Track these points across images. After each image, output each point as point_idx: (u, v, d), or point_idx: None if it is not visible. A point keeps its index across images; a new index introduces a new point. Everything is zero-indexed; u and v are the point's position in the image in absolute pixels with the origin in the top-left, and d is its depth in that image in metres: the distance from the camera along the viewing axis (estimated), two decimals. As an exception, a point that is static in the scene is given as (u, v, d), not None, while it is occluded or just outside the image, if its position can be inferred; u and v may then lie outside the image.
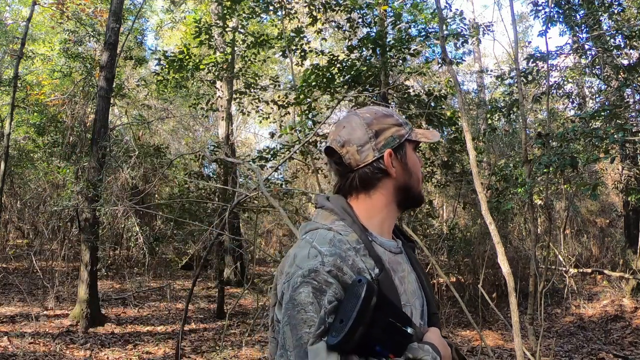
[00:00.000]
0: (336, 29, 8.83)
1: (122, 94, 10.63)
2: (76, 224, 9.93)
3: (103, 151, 7.44)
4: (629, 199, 8.85)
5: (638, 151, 9.13)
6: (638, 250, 8.50)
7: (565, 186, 7.27)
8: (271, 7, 7.85)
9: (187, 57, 7.96)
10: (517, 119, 8.18)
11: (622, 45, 6.59)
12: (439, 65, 8.14)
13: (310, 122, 7.98)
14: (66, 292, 8.76)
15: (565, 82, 8.27)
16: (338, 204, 1.22)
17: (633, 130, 5.19)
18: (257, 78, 9.11)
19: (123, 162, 8.13)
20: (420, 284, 1.28)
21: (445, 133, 8.01)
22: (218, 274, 9.48)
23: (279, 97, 9.06)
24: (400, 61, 7.71)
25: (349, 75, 7.42)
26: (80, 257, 7.54)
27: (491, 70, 10.97)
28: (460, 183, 8.98)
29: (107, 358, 6.01)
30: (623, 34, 6.41)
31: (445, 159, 8.52)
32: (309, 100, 7.69)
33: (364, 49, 7.54)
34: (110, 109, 8.47)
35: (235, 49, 9.43)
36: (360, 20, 7.79)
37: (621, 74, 6.37)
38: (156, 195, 11.96)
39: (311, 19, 7.69)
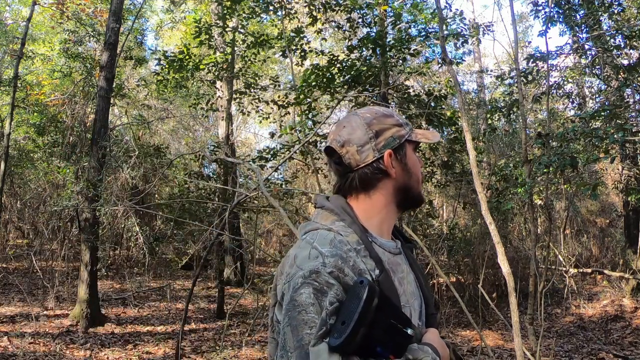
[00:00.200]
0: (336, 29, 8.83)
1: (122, 94, 10.63)
2: (76, 224, 9.93)
3: (103, 151, 7.44)
4: (629, 199, 8.85)
5: (638, 151, 9.13)
6: (638, 250, 8.50)
7: (565, 186, 7.27)
8: (271, 7, 7.85)
9: (187, 57, 7.96)
10: (517, 119, 8.18)
11: (622, 45, 6.59)
12: (439, 65, 8.14)
13: (310, 122, 7.98)
14: (66, 292, 8.76)
15: (565, 82, 8.28)
16: (338, 204, 1.22)
17: (633, 130, 5.19)
18: (257, 78, 9.11)
19: (123, 162, 8.12)
20: (418, 285, 1.28)
21: (445, 133, 8.01)
22: (218, 274, 9.48)
23: (279, 97, 9.06)
24: (400, 61, 7.71)
25: (349, 75, 7.42)
26: (80, 257, 7.54)
27: (491, 70, 10.98)
28: (460, 183, 8.98)
29: (107, 358, 6.01)
30: (623, 34, 6.41)
31: (445, 159, 8.52)
32: (309, 100, 7.69)
33: (364, 49, 7.54)
34: (110, 109, 8.47)
35: (235, 49, 9.43)
36: (360, 20, 7.79)
37: (621, 74, 6.37)
38: (156, 195, 11.96)
39: (311, 19, 7.69)
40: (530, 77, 6.89)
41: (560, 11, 6.59)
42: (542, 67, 6.75)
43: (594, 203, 12.77)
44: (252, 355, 6.40)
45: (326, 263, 1.06)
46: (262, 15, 8.26)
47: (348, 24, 7.74)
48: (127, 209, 7.01)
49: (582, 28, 7.07)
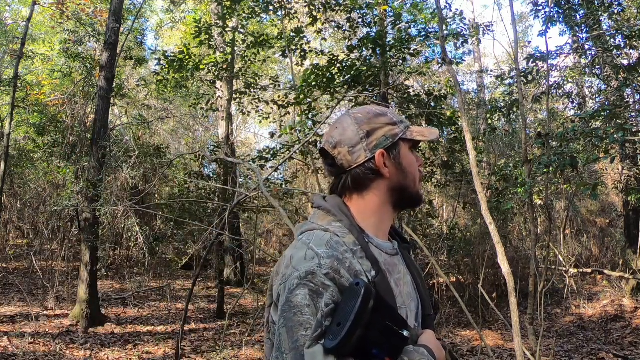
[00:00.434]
0: (336, 29, 8.83)
1: (122, 94, 10.63)
2: (76, 224, 9.93)
3: (103, 151, 7.44)
4: (629, 199, 8.84)
5: (638, 151, 9.13)
6: (638, 250, 8.50)
7: (565, 186, 7.27)
8: (271, 7, 7.85)
9: (187, 57, 7.96)
10: (517, 119, 8.18)
11: (622, 45, 6.58)
12: (439, 65, 8.14)
13: (310, 122, 7.97)
14: (66, 292, 8.76)
15: (565, 82, 8.27)
16: (335, 204, 1.21)
17: (633, 130, 5.19)
18: (257, 78, 9.11)
19: (123, 162, 8.12)
20: (415, 286, 1.26)
21: (445, 133, 8.00)
22: (218, 274, 9.48)
23: (279, 97, 9.05)
24: (400, 61, 7.70)
25: (349, 75, 7.42)
26: (80, 257, 7.55)
27: (491, 70, 10.97)
28: (460, 183, 8.98)
29: (107, 358, 6.01)
30: (623, 34, 6.41)
31: (445, 159, 8.51)
32: (309, 100, 7.69)
33: (364, 49, 7.54)
34: (110, 109, 8.47)
35: (235, 49, 9.43)
36: (360, 20, 7.78)
37: (621, 74, 6.36)
38: (156, 195, 11.96)
39: (311, 19, 7.69)
40: (530, 77, 6.89)
41: (560, 11, 6.59)
42: (542, 67, 6.74)
43: (594, 203, 12.77)
44: (252, 355, 6.40)
45: (322, 264, 1.05)
46: (262, 15, 8.26)
47: (348, 24, 7.73)
48: (127, 209, 7.01)
49: (582, 28, 7.06)
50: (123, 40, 9.44)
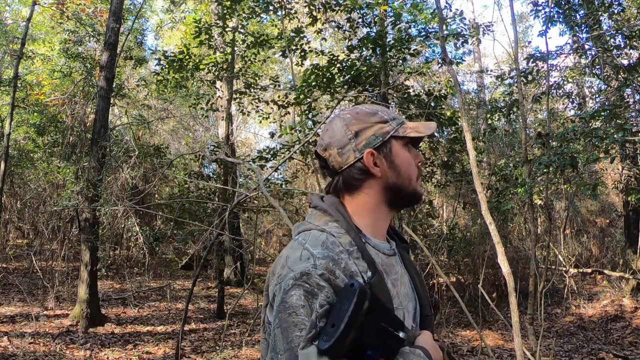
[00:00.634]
0: (336, 29, 8.83)
1: (122, 94, 10.64)
2: (76, 224, 9.93)
3: (103, 151, 7.44)
4: (629, 199, 8.84)
5: (638, 151, 9.12)
6: (638, 250, 8.50)
7: (565, 186, 7.26)
8: (271, 7, 7.85)
9: (187, 57, 7.96)
10: (517, 119, 8.17)
11: (622, 45, 6.58)
12: (439, 65, 8.14)
13: (310, 122, 7.98)
14: (66, 292, 8.77)
15: (565, 82, 8.27)
16: (332, 204, 1.20)
17: (633, 130, 5.18)
18: (257, 78, 9.10)
19: (123, 162, 8.12)
20: (413, 286, 1.26)
21: (445, 133, 8.01)
22: (218, 274, 9.48)
23: (279, 97, 9.05)
24: (400, 61, 7.70)
25: (349, 75, 7.42)
26: (80, 257, 7.55)
27: (491, 70, 10.96)
28: (460, 183, 8.98)
29: (107, 358, 6.01)
30: (623, 34, 6.41)
31: (445, 159, 8.51)
32: (309, 100, 7.69)
33: (364, 49, 7.54)
34: (110, 109, 8.47)
35: (235, 49, 9.43)
36: (360, 20, 7.78)
37: (621, 74, 6.36)
38: (156, 195, 11.96)
39: (311, 19, 7.69)
40: (530, 77, 6.89)
41: (560, 11, 6.59)
42: (542, 67, 6.74)
43: (594, 203, 12.76)
44: (252, 355, 6.40)
45: (317, 265, 1.04)
46: (262, 15, 8.26)
47: (348, 24, 7.73)
48: (127, 209, 7.01)
49: (582, 28, 7.06)
50: (123, 40, 9.45)
